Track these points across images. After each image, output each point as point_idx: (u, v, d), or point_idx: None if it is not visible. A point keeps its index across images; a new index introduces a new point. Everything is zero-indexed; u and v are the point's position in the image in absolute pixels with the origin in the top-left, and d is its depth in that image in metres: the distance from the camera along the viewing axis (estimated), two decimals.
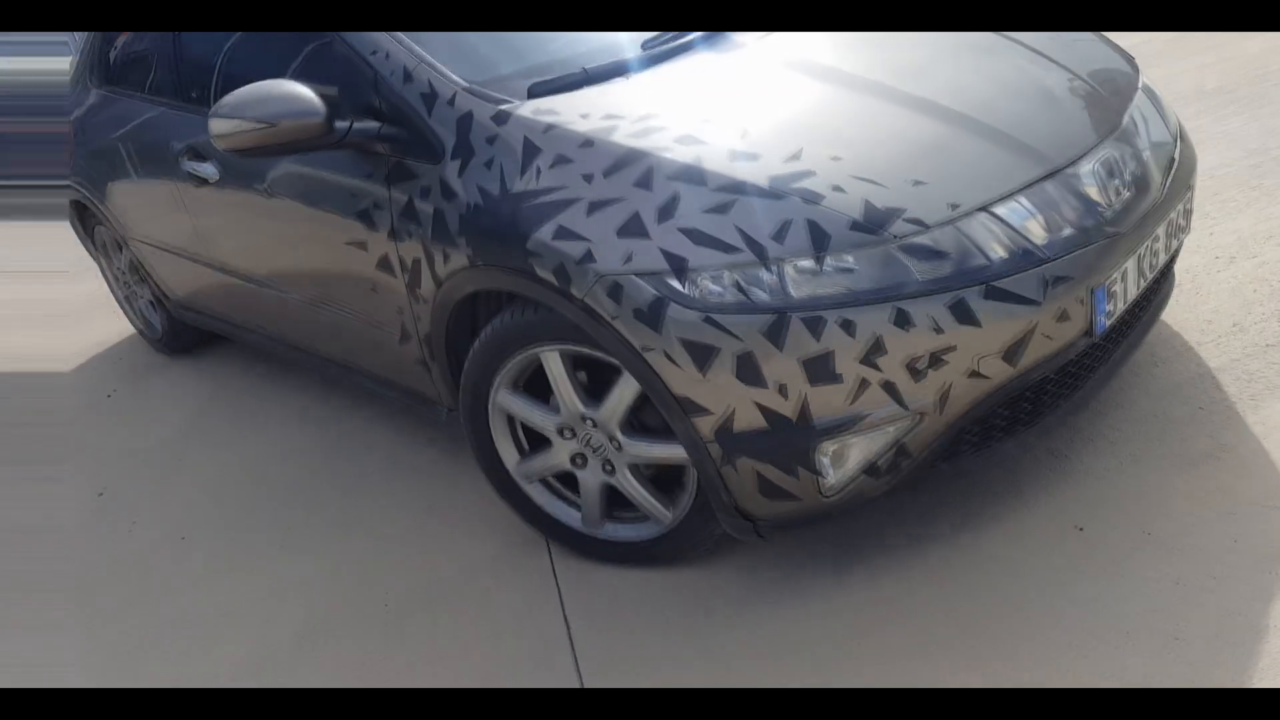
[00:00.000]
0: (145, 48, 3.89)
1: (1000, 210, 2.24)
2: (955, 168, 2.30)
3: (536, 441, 2.79)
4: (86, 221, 4.86)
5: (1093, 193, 2.36)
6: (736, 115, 2.43)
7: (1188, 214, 2.73)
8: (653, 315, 2.19)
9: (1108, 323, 2.37)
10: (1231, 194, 3.85)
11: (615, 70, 2.66)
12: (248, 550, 3.29)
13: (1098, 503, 2.55)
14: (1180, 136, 2.80)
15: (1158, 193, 2.52)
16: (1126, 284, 2.42)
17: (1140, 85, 2.82)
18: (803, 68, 2.65)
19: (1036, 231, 2.24)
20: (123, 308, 5.11)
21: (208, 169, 3.40)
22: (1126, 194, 2.43)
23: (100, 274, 5.16)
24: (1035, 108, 2.54)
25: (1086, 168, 2.39)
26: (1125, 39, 4.86)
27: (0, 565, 3.43)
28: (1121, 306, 2.43)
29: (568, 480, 2.81)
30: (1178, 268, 3.26)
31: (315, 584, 3.04)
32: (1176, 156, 2.69)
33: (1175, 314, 3.19)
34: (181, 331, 4.75)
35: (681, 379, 2.21)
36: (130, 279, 4.81)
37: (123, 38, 4.14)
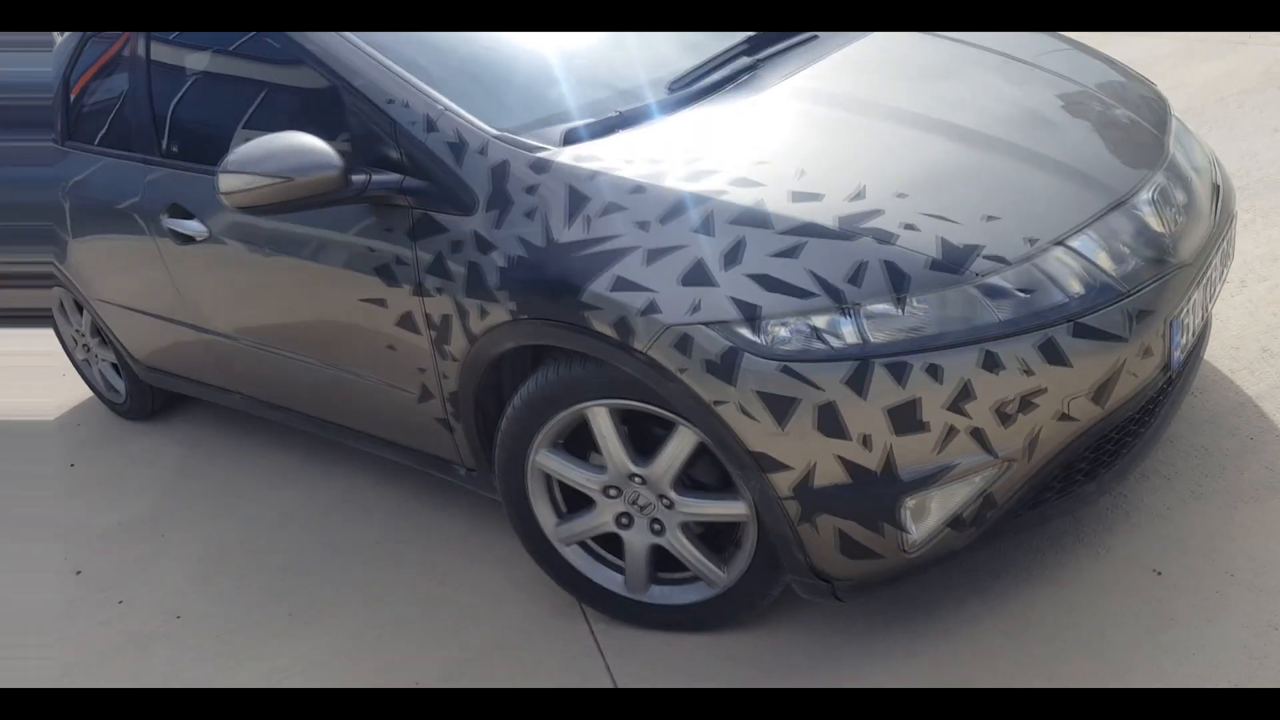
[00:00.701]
0: (114, 101, 3.69)
1: (1075, 244, 2.16)
2: (1023, 201, 2.23)
3: (574, 502, 2.64)
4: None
5: (1154, 223, 2.29)
6: (788, 155, 2.33)
7: (1232, 242, 2.68)
8: (725, 367, 2.07)
9: (1181, 356, 2.30)
10: None
11: (650, 113, 2.55)
12: (249, 627, 3.06)
13: (1168, 544, 2.47)
14: (1216, 163, 2.75)
15: (1209, 220, 2.47)
16: (1194, 315, 2.36)
17: (1173, 114, 2.77)
18: (843, 104, 2.56)
19: (1110, 265, 2.17)
20: (80, 372, 4.85)
21: (194, 226, 3.21)
22: (1182, 222, 2.36)
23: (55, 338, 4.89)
24: (1087, 138, 2.48)
25: (1144, 197, 2.33)
26: None
27: None
28: (1190, 339, 2.36)
29: (607, 542, 2.66)
30: None
31: (332, 663, 2.83)
32: (1219, 182, 2.64)
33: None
34: (147, 395, 4.51)
35: (758, 433, 2.09)
36: (90, 342, 4.57)
37: (77, 89, 3.94)
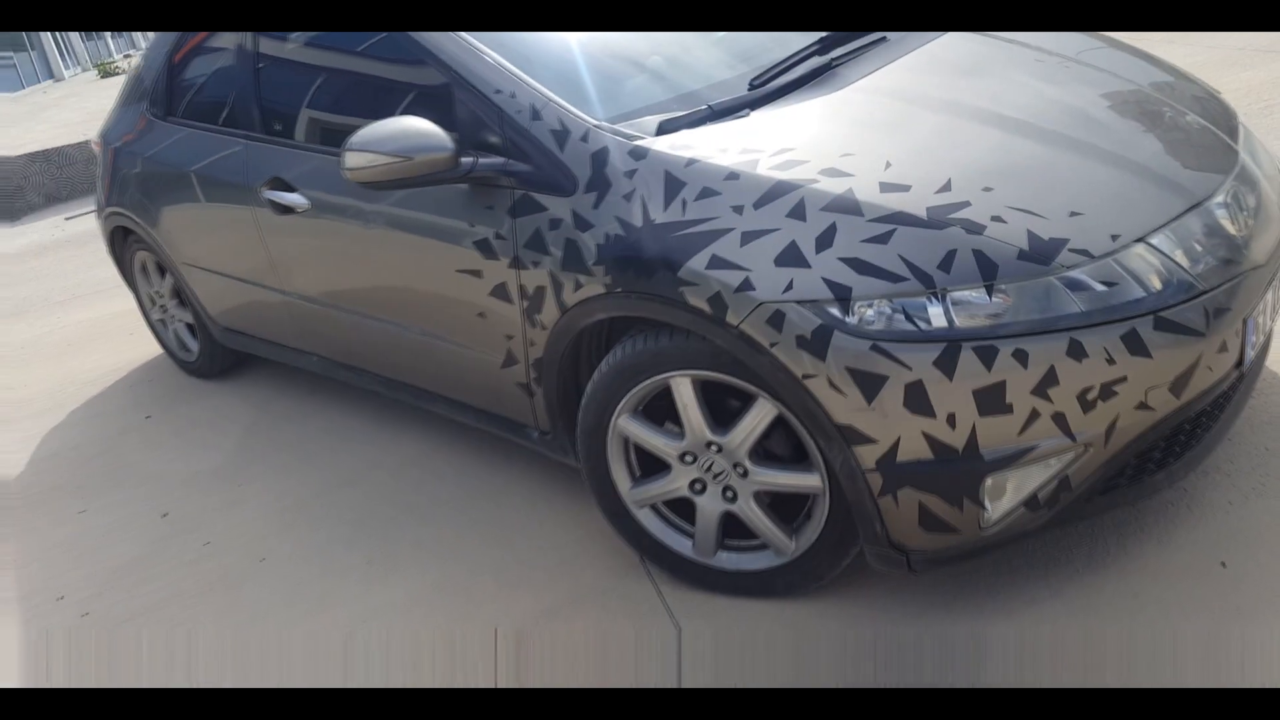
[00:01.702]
0: (218, 83, 3.91)
1: (1156, 241, 2.24)
2: (1105, 199, 2.30)
3: (648, 467, 2.75)
4: (126, 246, 4.78)
5: (1228, 225, 2.37)
6: (873, 148, 2.42)
7: None
8: (817, 343, 2.17)
9: (1253, 354, 2.37)
10: None
11: (737, 107, 2.65)
12: (333, 574, 3.20)
13: (1232, 537, 2.53)
14: None
15: (1279, 223, 2.54)
16: (1266, 315, 2.43)
17: (1241, 121, 2.85)
18: (922, 101, 2.64)
19: (1188, 263, 2.24)
20: (154, 329, 5.02)
21: (295, 198, 3.38)
22: (1253, 225, 2.44)
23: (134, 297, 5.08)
24: (1163, 141, 2.55)
25: (1219, 200, 2.41)
26: None
27: (90, 585, 3.38)
28: (1262, 338, 2.44)
29: (678, 507, 2.77)
30: None
31: (411, 611, 2.96)
32: None
33: None
34: (218, 355, 4.68)
35: (845, 407, 2.18)
36: (169, 303, 4.73)
37: (180, 71, 4.13)
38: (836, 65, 2.86)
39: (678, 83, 2.88)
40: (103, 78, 18.01)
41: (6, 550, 3.69)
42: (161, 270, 4.65)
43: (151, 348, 5.27)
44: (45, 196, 10.80)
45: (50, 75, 19.93)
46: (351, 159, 2.66)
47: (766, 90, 2.73)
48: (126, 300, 6.01)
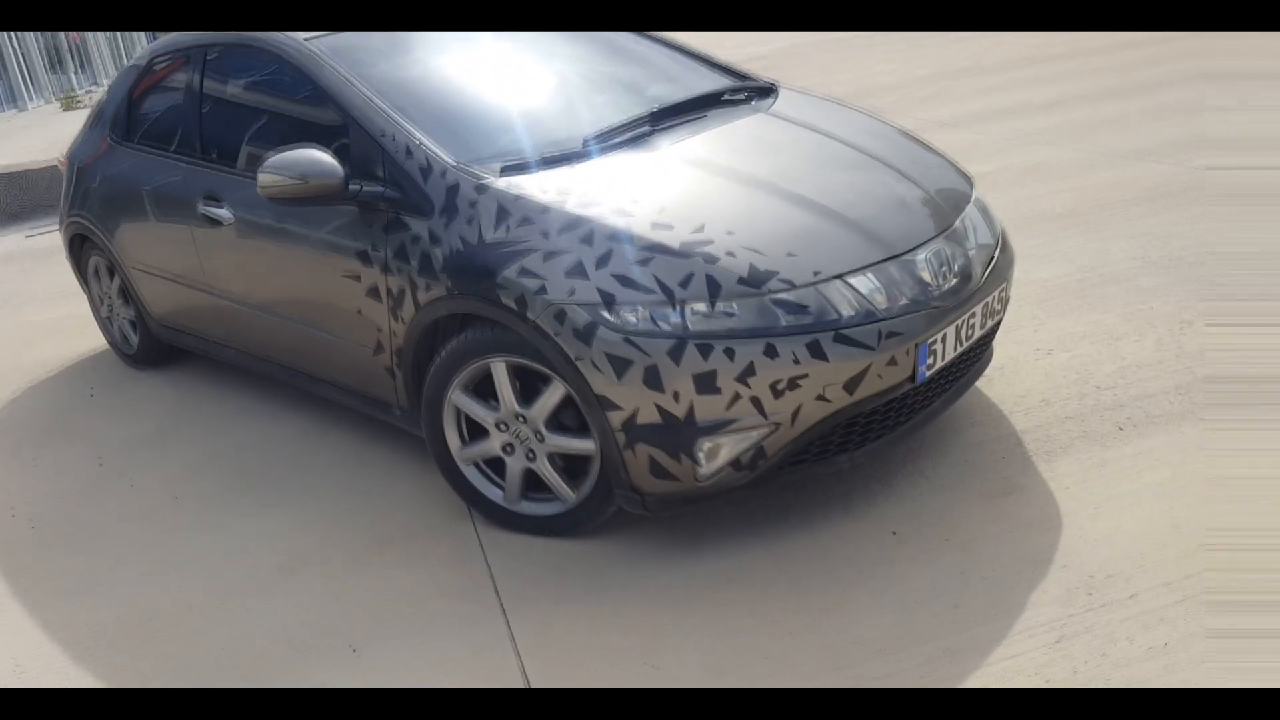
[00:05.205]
0: (169, 115, 4.75)
1: (852, 280, 3.02)
2: (819, 246, 3.09)
3: (473, 432, 3.50)
4: (83, 250, 5.53)
5: (925, 275, 3.15)
6: (656, 197, 3.22)
7: (1003, 300, 3.54)
8: (586, 334, 2.94)
9: (928, 373, 3.15)
10: (1058, 301, 4.71)
11: (565, 159, 3.45)
12: (230, 509, 3.98)
13: (910, 517, 3.29)
14: (1002, 241, 3.62)
15: (978, 281, 3.32)
16: (945, 346, 3.20)
17: (973, 199, 3.64)
18: (706, 166, 3.45)
19: (878, 298, 3.03)
20: (101, 325, 5.73)
21: (223, 213, 4.17)
22: (953, 280, 3.22)
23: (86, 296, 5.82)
24: (885, 208, 3.34)
25: (921, 256, 3.18)
26: (980, 164, 5.83)
27: (36, 506, 4.14)
28: (940, 363, 3.20)
29: (495, 466, 3.52)
30: (1003, 354, 4.13)
31: (290, 532, 3.74)
32: (995, 256, 3.50)
33: (995, 389, 4.00)
34: (154, 349, 5.38)
35: (602, 382, 2.95)
36: (116, 301, 5.43)
37: (138, 104, 4.95)
38: (654, 133, 3.66)
39: (528, 135, 3.65)
40: (65, 110, 18.52)
41: None
42: (111, 273, 5.37)
43: (97, 342, 5.97)
44: (8, 215, 11.47)
45: (14, 104, 20.51)
46: (263, 178, 3.43)
47: (594, 148, 3.52)
48: (76, 304, 6.73)
